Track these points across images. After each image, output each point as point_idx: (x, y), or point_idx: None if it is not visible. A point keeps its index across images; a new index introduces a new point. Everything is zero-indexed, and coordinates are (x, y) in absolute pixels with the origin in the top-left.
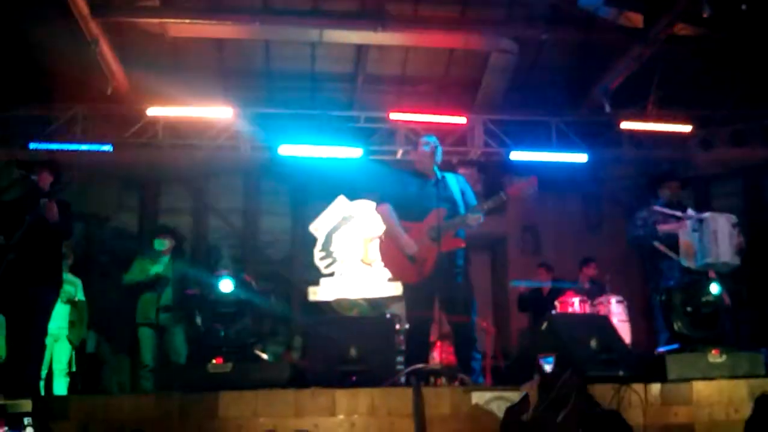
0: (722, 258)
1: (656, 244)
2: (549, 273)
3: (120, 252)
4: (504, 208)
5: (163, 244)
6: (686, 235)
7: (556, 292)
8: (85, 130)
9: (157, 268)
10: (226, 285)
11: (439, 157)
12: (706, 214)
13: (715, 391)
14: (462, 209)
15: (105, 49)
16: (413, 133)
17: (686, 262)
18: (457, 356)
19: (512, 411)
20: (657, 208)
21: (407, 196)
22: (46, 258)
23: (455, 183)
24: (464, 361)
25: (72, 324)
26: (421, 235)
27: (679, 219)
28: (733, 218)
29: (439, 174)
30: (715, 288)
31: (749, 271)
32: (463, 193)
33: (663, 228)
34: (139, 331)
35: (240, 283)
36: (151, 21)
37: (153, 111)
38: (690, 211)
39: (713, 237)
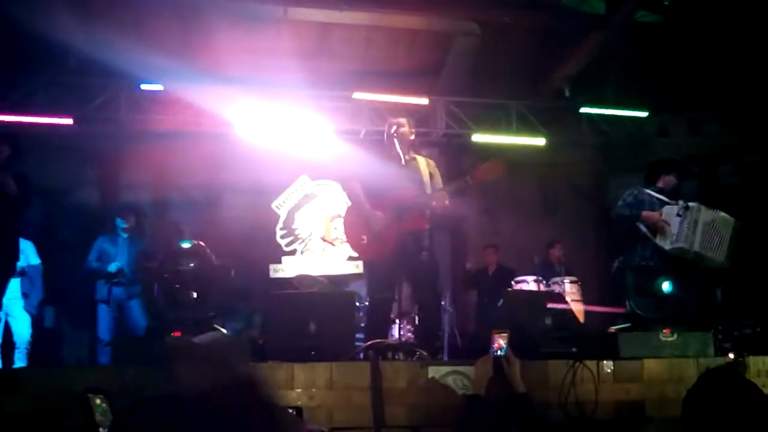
0: (695, 248)
1: (639, 225)
2: (495, 253)
3: (80, 227)
4: (467, 191)
5: (124, 222)
6: (669, 217)
7: (502, 272)
8: (45, 102)
9: (115, 264)
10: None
11: (411, 138)
12: (694, 204)
13: (666, 369)
14: (428, 192)
15: (65, 17)
16: (376, 113)
17: (660, 242)
18: (422, 332)
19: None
20: (648, 190)
21: (373, 176)
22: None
23: (425, 166)
24: (429, 337)
25: (25, 295)
26: (387, 214)
27: (665, 205)
28: (737, 224)
29: (410, 155)
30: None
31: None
32: (431, 177)
33: (646, 215)
34: (98, 307)
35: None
36: None
37: (116, 85)
38: (681, 202)
39: (693, 226)
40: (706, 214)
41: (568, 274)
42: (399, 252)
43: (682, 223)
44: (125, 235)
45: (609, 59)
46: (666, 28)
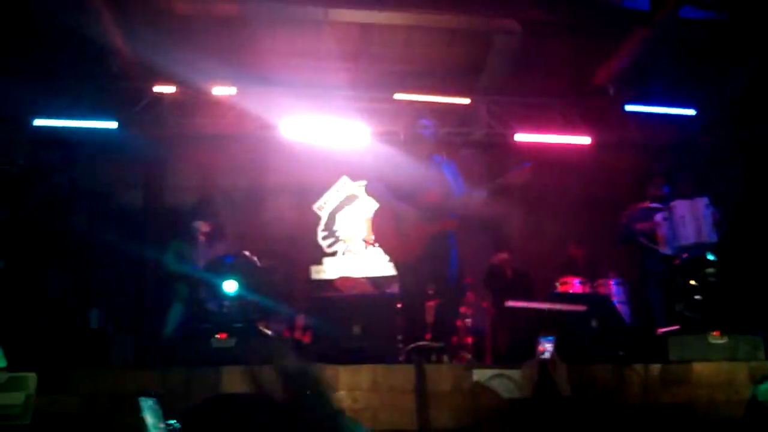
0: (692, 240)
1: (640, 239)
2: (509, 256)
3: (124, 229)
4: (503, 193)
5: (199, 226)
6: (659, 224)
7: (519, 274)
8: (90, 107)
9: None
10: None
11: (435, 140)
12: (674, 202)
13: (715, 372)
14: (455, 194)
15: (108, 22)
16: (417, 114)
17: (663, 250)
18: (434, 333)
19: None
20: (640, 205)
21: (404, 177)
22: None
23: (448, 169)
24: (442, 337)
25: None
26: (415, 215)
27: (657, 212)
28: (705, 200)
29: (435, 157)
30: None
31: (750, 256)
32: (455, 179)
33: (639, 227)
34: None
35: (242, 260)
36: None
37: (159, 88)
38: (673, 203)
39: (681, 222)
40: (687, 206)
41: (598, 275)
42: (428, 253)
43: (671, 225)
44: (202, 240)
45: (654, 56)
46: (713, 24)
